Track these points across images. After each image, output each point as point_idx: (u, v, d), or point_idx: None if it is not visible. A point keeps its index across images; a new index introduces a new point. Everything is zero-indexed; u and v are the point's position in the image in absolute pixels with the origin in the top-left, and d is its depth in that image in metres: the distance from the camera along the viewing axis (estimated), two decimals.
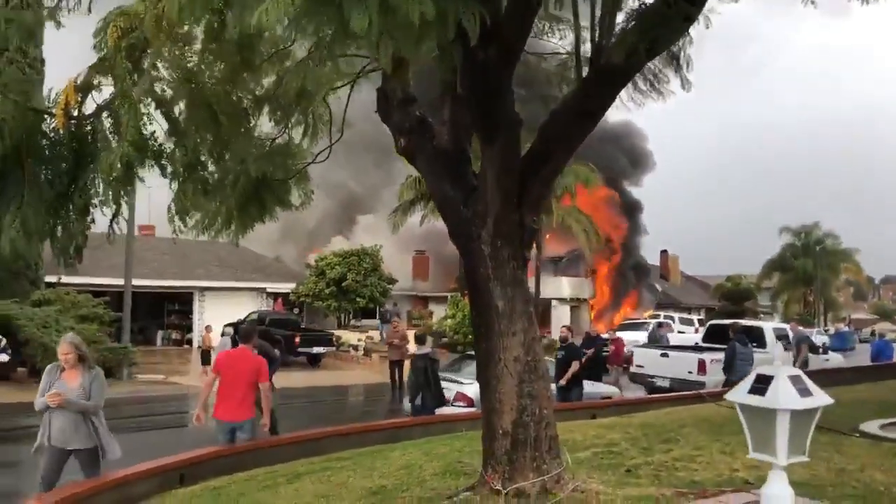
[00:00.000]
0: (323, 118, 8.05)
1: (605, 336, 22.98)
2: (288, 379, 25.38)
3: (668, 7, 4.35)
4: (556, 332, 42.29)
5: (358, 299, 33.93)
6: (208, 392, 8.73)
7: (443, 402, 11.19)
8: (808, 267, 59.00)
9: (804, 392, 2.73)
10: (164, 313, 33.56)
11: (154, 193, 9.50)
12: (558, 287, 42.67)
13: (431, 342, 11.89)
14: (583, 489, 5.54)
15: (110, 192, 6.01)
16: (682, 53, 5.53)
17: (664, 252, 60.18)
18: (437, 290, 41.93)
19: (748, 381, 2.83)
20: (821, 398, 2.78)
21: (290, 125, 7.69)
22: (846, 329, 54.90)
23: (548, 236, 38.89)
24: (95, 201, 6.33)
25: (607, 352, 22.27)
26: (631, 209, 49.36)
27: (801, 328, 22.90)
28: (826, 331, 53.26)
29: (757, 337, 19.70)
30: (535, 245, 34.91)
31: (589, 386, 15.60)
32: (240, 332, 8.78)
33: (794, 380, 2.73)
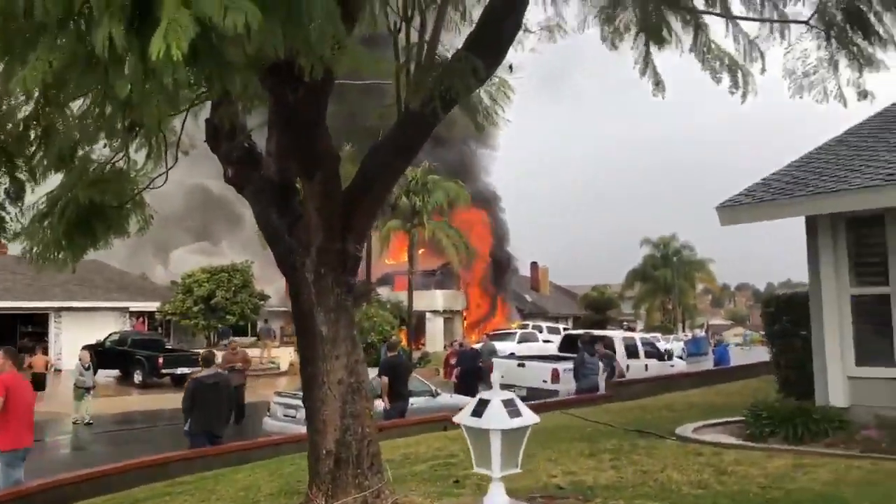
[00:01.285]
0: (167, 141, 8.07)
1: (477, 347, 23.53)
2: (152, 401, 24.65)
3: (458, 61, 4.77)
4: (430, 345, 43.00)
5: (228, 317, 33.33)
6: None
7: (206, 430, 10.34)
8: (667, 276, 62.51)
9: (514, 413, 3.16)
10: (17, 336, 31.72)
11: None
12: (432, 300, 43.39)
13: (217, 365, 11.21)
14: (402, 503, 5.87)
15: None
16: (477, 102, 6.02)
17: (534, 264, 62.28)
18: None
19: (472, 405, 3.25)
20: (529, 418, 3.23)
21: (127, 151, 7.68)
22: (701, 335, 58.50)
23: (421, 251, 39.51)
24: None
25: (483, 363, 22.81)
26: (499, 223, 50.92)
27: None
28: (685, 337, 56.60)
29: (607, 346, 20.85)
30: (408, 259, 35.49)
31: (448, 398, 16.10)
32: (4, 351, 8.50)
33: (507, 403, 3.15)
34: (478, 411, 3.13)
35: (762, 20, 5.75)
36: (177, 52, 2.49)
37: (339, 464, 5.83)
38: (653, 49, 3.78)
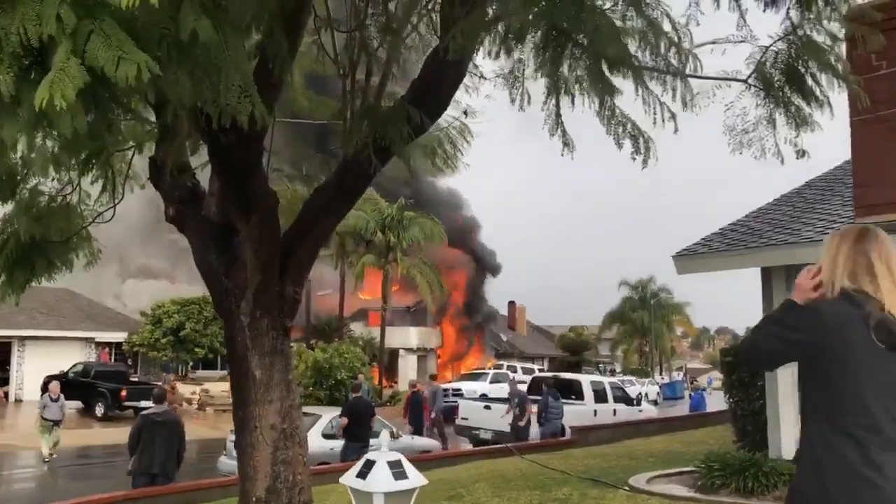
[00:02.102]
0: (115, 175, 8.02)
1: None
2: (113, 435, 24.17)
3: (395, 111, 4.79)
4: (403, 383, 42.65)
5: (197, 349, 32.95)
6: None
7: (150, 469, 9.84)
8: (645, 319, 62.69)
9: (400, 475, 3.11)
10: None
11: None
12: (406, 337, 43.16)
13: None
14: None
15: None
16: (437, 146, 6.06)
17: (512, 303, 62.20)
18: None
19: (358, 465, 3.19)
20: (415, 480, 3.17)
21: (79, 184, 7.62)
22: (678, 379, 58.66)
23: (396, 287, 39.39)
24: None
25: (454, 403, 22.47)
26: (479, 262, 50.88)
27: (518, 384, 20.71)
28: (662, 380, 56.68)
29: (576, 390, 20.81)
30: (381, 296, 35.36)
31: (409, 440, 15.94)
32: None
33: (393, 465, 3.10)
34: (363, 473, 3.08)
35: (704, 77, 5.84)
36: (61, 101, 2.48)
37: None
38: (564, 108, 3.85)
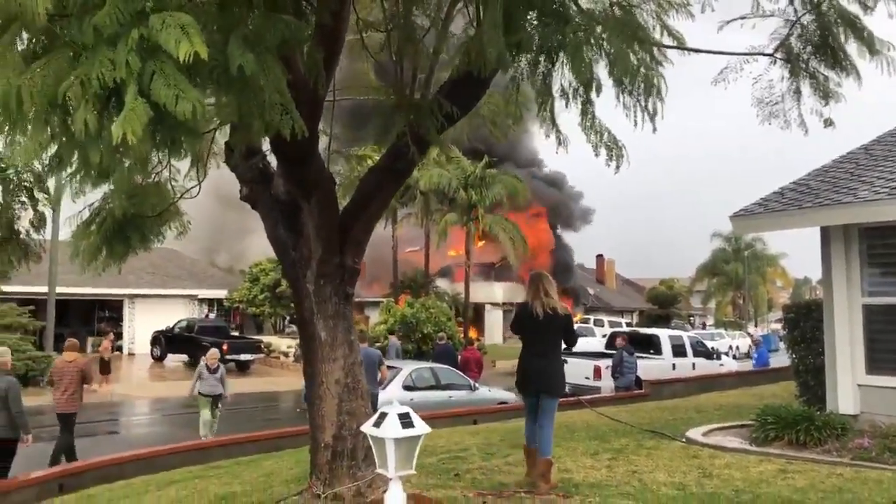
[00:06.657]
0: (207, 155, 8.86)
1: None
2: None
3: (430, 103, 5.31)
4: (489, 337, 43.56)
5: (293, 305, 34.62)
6: None
7: None
8: (738, 271, 61.31)
9: (407, 424, 3.72)
10: (95, 320, 33.84)
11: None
12: (490, 292, 43.91)
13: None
14: None
15: None
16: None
17: (600, 256, 61.97)
18: (373, 294, 42.81)
19: (375, 417, 3.83)
20: (420, 429, 3.78)
21: (169, 162, 8.49)
22: (769, 332, 57.35)
23: (482, 243, 40.01)
24: None
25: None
26: (564, 216, 50.85)
27: None
28: (758, 332, 55.47)
29: (654, 345, 21.04)
30: (465, 252, 36.02)
31: (486, 392, 16.70)
32: None
33: (402, 416, 3.72)
34: (378, 423, 3.72)
35: (727, 53, 6.12)
36: (131, 137, 3.16)
37: (336, 456, 6.48)
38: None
